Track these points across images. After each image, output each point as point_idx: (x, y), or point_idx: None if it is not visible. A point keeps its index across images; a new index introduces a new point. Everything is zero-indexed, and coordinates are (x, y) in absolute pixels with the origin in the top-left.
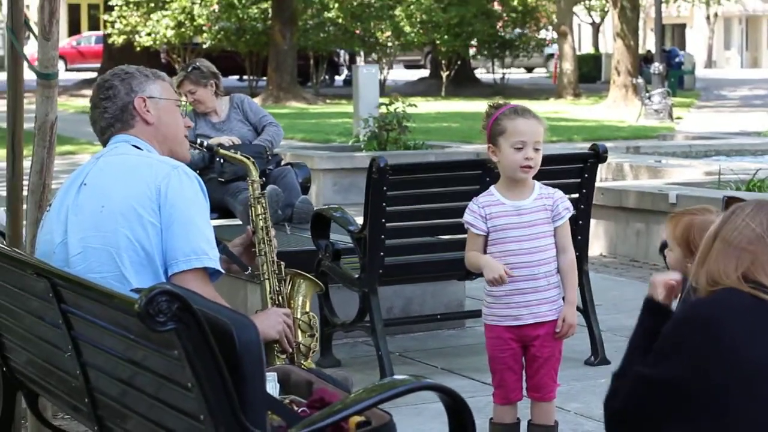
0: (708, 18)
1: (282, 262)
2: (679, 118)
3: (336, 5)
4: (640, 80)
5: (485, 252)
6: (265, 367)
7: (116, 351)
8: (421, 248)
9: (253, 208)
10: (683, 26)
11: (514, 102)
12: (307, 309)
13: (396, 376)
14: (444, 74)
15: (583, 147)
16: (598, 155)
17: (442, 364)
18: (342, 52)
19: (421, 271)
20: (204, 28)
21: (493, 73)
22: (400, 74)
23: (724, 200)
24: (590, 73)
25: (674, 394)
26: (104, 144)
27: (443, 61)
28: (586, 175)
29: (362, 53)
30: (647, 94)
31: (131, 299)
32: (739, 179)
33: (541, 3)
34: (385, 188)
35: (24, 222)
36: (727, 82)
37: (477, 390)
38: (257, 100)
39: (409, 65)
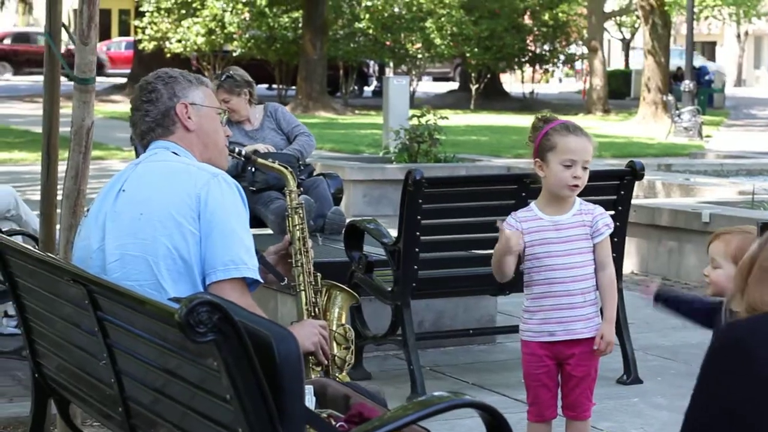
0: (738, 36)
1: (318, 274)
2: (708, 136)
3: (367, 16)
4: (670, 97)
5: (520, 267)
6: (304, 380)
7: (152, 360)
8: (456, 262)
9: (290, 219)
10: (713, 44)
11: None
12: (343, 321)
13: (435, 393)
14: (473, 87)
15: (612, 163)
16: (635, 173)
17: (473, 380)
18: (372, 62)
19: (455, 285)
20: (234, 35)
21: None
22: (428, 86)
23: (759, 226)
24: (619, 90)
25: (710, 421)
26: (143, 148)
27: (473, 74)
28: (622, 192)
29: (392, 64)
30: (677, 112)
31: (171, 309)
32: None
33: (572, 18)
34: (420, 201)
35: (57, 227)
36: (757, 101)
37: (508, 406)
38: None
39: (438, 78)
